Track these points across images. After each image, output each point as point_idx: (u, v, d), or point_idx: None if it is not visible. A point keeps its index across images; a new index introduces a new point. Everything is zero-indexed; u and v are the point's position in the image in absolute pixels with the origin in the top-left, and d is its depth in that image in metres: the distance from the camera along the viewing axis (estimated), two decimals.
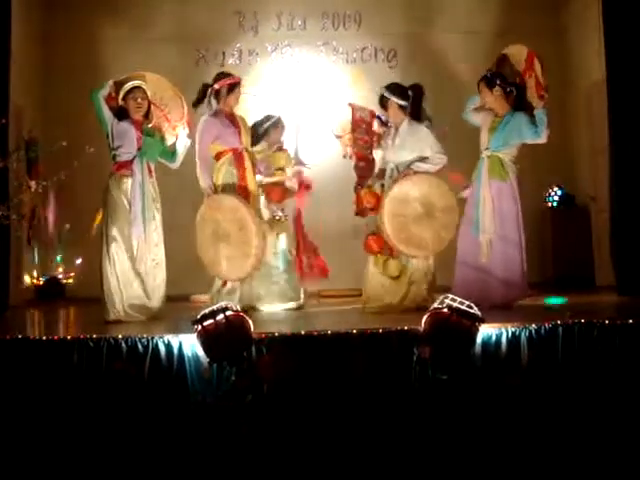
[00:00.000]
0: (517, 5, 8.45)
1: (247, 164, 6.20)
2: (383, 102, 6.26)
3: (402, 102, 6.19)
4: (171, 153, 6.21)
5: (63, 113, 7.96)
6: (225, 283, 6.20)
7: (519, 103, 6.11)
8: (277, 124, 6.62)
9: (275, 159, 6.55)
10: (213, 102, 6.24)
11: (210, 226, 5.96)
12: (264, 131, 6.57)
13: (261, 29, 8.52)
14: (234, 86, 6.28)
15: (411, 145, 6.16)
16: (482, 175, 6.03)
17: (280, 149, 6.59)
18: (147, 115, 6.12)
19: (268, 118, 6.62)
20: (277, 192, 6.50)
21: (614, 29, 6.96)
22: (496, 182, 5.97)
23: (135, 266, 5.91)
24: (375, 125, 6.32)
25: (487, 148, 6.06)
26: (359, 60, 8.53)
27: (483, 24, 8.48)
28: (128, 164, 5.96)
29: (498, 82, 6.10)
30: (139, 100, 6.03)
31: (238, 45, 8.52)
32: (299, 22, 8.55)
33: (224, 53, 8.50)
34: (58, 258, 7.91)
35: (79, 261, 7.94)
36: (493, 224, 5.95)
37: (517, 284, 5.94)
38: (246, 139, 6.29)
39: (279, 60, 8.55)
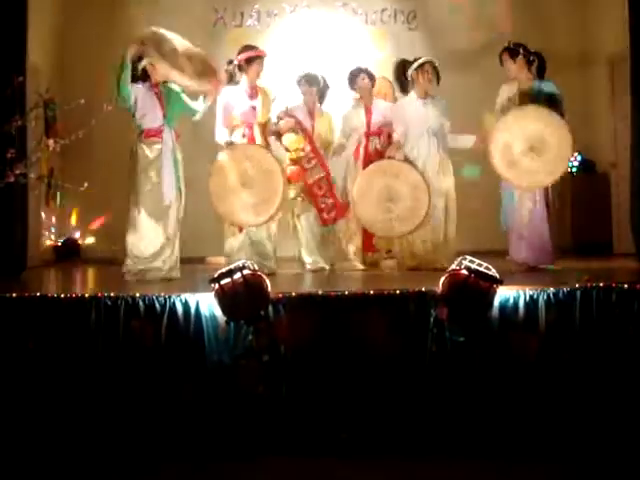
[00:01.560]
0: None
1: (257, 139, 6.30)
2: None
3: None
4: (192, 106, 6.13)
5: (80, 72, 7.92)
6: (240, 230, 6.26)
7: (541, 71, 6.19)
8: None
9: (291, 142, 6.55)
10: (237, 74, 6.36)
11: (232, 174, 5.94)
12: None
13: None
14: (253, 59, 6.32)
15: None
16: None
17: (295, 131, 6.55)
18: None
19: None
20: (295, 173, 6.52)
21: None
22: None
23: (165, 231, 5.90)
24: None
25: None
26: (378, 21, 8.44)
27: None
28: (157, 131, 5.95)
29: (521, 51, 6.15)
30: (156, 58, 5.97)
31: (256, 6, 8.44)
32: None
33: (242, 14, 8.43)
34: (76, 215, 7.93)
35: (97, 224, 7.94)
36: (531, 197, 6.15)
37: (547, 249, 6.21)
38: (265, 112, 6.36)
39: (298, 21, 8.46)
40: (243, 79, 6.37)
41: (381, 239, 6.68)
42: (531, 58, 6.20)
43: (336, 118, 6.83)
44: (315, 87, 6.64)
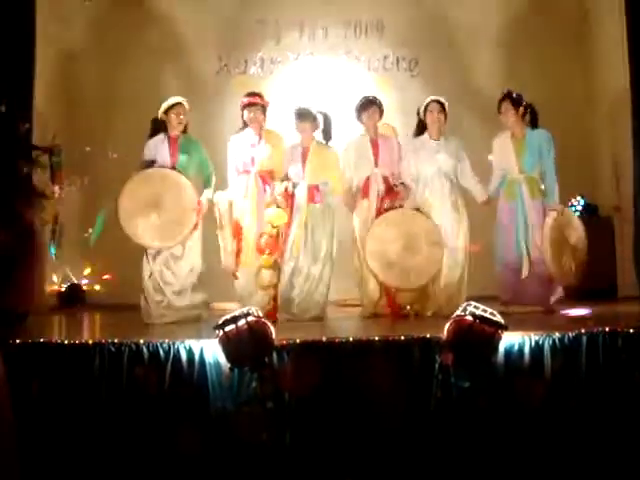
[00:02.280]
0: (539, 15, 8.39)
1: (252, 189, 6.31)
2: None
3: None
4: (207, 176, 6.30)
5: (86, 120, 7.99)
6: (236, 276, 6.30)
7: (534, 122, 6.41)
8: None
9: (273, 217, 6.36)
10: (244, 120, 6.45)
11: (141, 197, 6.00)
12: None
13: (283, 38, 8.50)
14: (246, 107, 6.41)
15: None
16: (524, 198, 6.29)
17: (279, 206, 6.35)
18: (185, 131, 6.21)
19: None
20: (269, 243, 6.32)
21: (638, 38, 6.94)
22: (537, 202, 6.31)
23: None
24: None
25: (522, 173, 6.31)
26: (381, 69, 8.51)
27: (505, 36, 8.45)
28: None
29: (523, 103, 6.34)
30: (181, 116, 6.16)
31: (260, 54, 8.52)
32: (321, 31, 8.54)
33: (246, 61, 8.50)
34: (82, 263, 7.95)
35: (106, 276, 7.96)
36: (535, 244, 6.27)
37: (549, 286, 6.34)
38: (270, 159, 6.37)
39: (301, 68, 8.54)
40: (248, 128, 6.45)
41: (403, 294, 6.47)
42: (527, 110, 6.38)
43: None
44: (308, 123, 6.40)
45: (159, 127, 6.23)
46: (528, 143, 6.35)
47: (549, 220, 6.22)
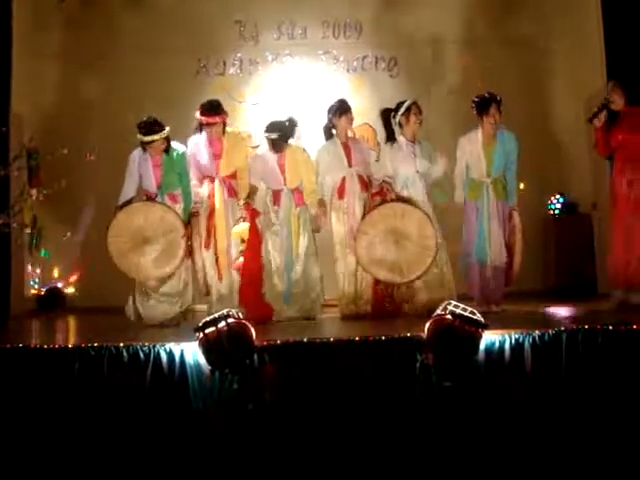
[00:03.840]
0: (515, 14, 8.43)
1: (219, 195, 6.28)
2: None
3: None
4: (187, 192, 6.26)
5: (63, 122, 7.94)
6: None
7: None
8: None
9: (242, 231, 6.42)
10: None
11: (129, 234, 5.99)
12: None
13: (262, 38, 8.47)
14: (209, 125, 6.28)
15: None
16: (489, 199, 6.35)
17: (244, 220, 6.43)
18: (167, 151, 6.18)
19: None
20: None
21: (614, 38, 7.03)
22: (502, 202, 6.36)
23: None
24: None
25: (489, 176, 6.36)
26: (359, 69, 8.51)
27: (483, 34, 8.48)
28: (153, 196, 6.19)
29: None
30: (159, 142, 6.11)
31: (239, 54, 8.49)
32: (299, 31, 8.52)
33: (225, 62, 8.47)
34: (61, 265, 7.89)
35: (70, 270, 7.89)
36: (500, 243, 6.33)
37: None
38: (232, 161, 6.32)
39: (280, 69, 8.53)
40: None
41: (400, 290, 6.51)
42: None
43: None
44: (275, 134, 6.35)
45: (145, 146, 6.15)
46: (498, 145, 6.40)
47: (516, 221, 6.36)
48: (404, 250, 6.14)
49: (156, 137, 6.04)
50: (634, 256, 6.23)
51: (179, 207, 6.17)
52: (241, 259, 6.40)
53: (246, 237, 6.37)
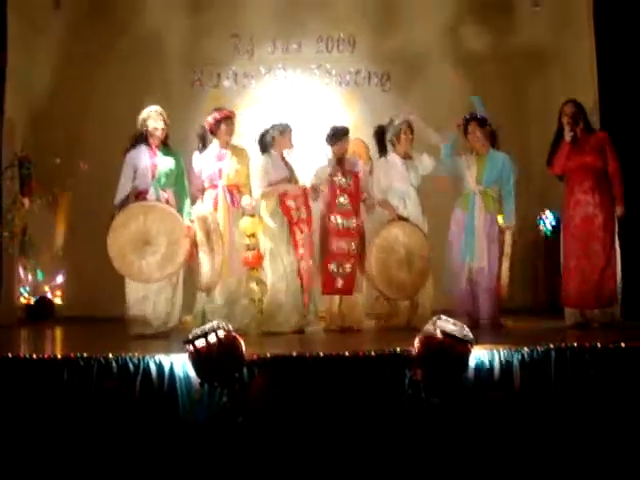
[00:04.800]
0: (509, 34, 8.49)
1: (222, 202, 6.31)
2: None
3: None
4: (183, 187, 6.29)
5: (56, 130, 7.94)
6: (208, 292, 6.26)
7: (494, 143, 6.67)
8: (284, 131, 6.53)
9: (247, 226, 6.38)
10: (209, 138, 6.43)
11: (129, 236, 5.95)
12: (271, 139, 6.51)
13: (257, 52, 8.51)
14: (221, 120, 6.39)
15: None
16: (476, 209, 6.51)
17: (252, 215, 6.39)
18: (165, 141, 6.21)
19: (273, 126, 6.55)
20: (254, 257, 6.36)
21: (607, 54, 7.13)
22: (490, 214, 6.51)
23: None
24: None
25: (479, 185, 6.52)
26: (352, 83, 8.55)
27: (475, 50, 8.53)
28: (144, 193, 6.09)
29: (488, 122, 6.59)
30: (158, 123, 6.16)
31: (233, 68, 8.53)
32: (294, 45, 8.56)
33: (219, 75, 8.50)
34: (40, 274, 7.86)
35: (60, 280, 7.86)
36: (485, 253, 6.48)
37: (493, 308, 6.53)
38: (239, 171, 6.38)
39: (273, 83, 8.56)
40: (214, 143, 6.44)
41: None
42: (491, 131, 6.63)
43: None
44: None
45: (140, 139, 6.19)
46: (489, 160, 6.56)
47: (508, 237, 6.48)
48: (409, 269, 6.40)
49: (160, 124, 6.11)
50: (585, 277, 6.34)
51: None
52: (249, 254, 6.35)
53: (250, 231, 6.34)
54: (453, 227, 6.64)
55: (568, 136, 6.33)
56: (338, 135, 6.68)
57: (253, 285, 6.34)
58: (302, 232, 6.44)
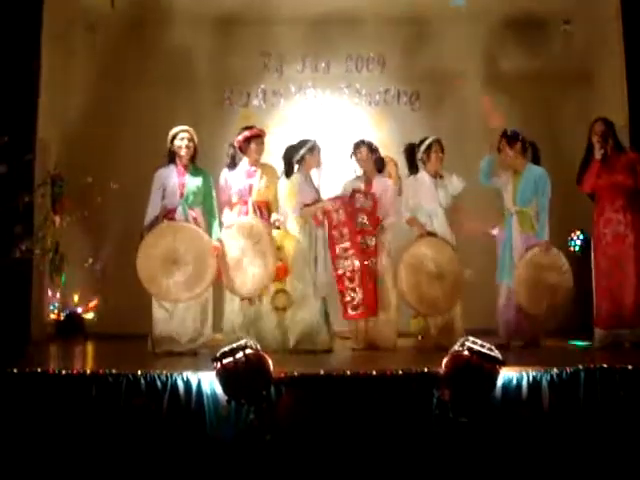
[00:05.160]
0: (538, 55, 8.46)
1: (251, 216, 6.36)
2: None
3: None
4: (211, 206, 6.34)
5: (88, 149, 8.02)
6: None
7: (536, 159, 6.59)
8: (312, 149, 6.56)
9: (279, 238, 6.42)
10: (238, 156, 6.50)
11: (158, 256, 6.00)
12: (300, 158, 6.54)
13: (286, 70, 8.55)
14: (251, 139, 6.45)
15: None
16: (513, 229, 6.49)
17: (278, 227, 6.42)
18: (193, 159, 6.27)
19: (302, 144, 6.57)
20: (280, 269, 6.34)
21: (637, 74, 7.06)
22: (526, 235, 6.45)
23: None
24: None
25: (515, 204, 6.48)
26: (382, 102, 8.56)
27: (505, 69, 8.52)
28: (172, 212, 6.17)
29: (520, 138, 6.51)
30: (187, 143, 6.24)
31: (262, 86, 8.58)
32: (323, 64, 8.59)
33: (249, 94, 8.54)
34: (80, 292, 7.92)
35: (94, 302, 7.93)
36: None
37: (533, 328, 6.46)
38: (267, 189, 6.43)
39: (302, 102, 8.60)
40: (243, 160, 6.49)
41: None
42: (526, 145, 6.55)
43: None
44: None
45: (169, 158, 6.27)
46: (525, 178, 6.50)
47: (527, 256, 6.37)
48: (441, 284, 6.35)
49: (185, 142, 6.20)
50: (616, 297, 6.30)
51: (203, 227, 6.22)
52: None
53: (279, 244, 6.36)
54: (499, 247, 6.64)
55: (598, 154, 6.30)
56: (353, 147, 6.76)
57: (279, 295, 6.35)
58: (342, 235, 6.46)
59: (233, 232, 6.22)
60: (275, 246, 6.21)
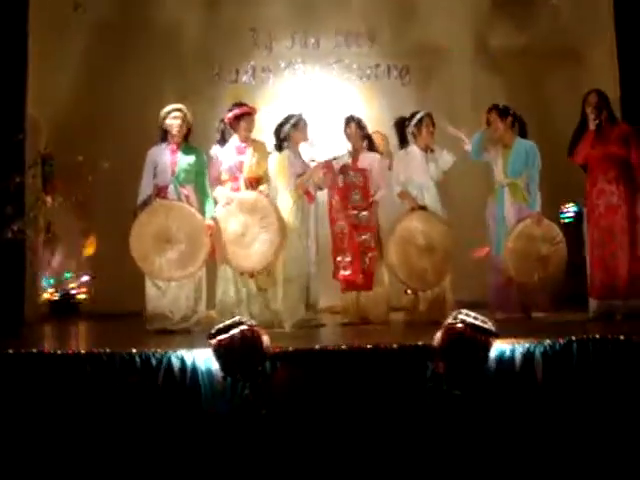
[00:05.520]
0: (530, 26, 8.44)
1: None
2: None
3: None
4: (203, 184, 6.32)
5: (79, 128, 7.99)
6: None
7: (523, 133, 6.63)
8: (297, 124, 6.56)
9: None
10: (228, 132, 6.47)
11: (151, 234, 6.02)
12: (286, 134, 6.55)
13: (275, 47, 8.52)
14: (241, 116, 6.43)
15: None
16: (505, 201, 6.52)
17: None
18: (186, 137, 6.26)
19: (286, 120, 6.58)
20: None
21: (628, 47, 7.09)
22: (519, 205, 6.49)
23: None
24: None
25: (506, 176, 6.51)
26: (372, 77, 8.54)
27: (495, 44, 8.50)
28: (164, 190, 6.13)
29: (511, 112, 6.55)
30: (179, 122, 6.23)
31: (252, 62, 8.54)
32: (312, 40, 8.57)
33: (238, 70, 8.51)
34: (67, 275, 7.91)
35: (85, 278, 7.91)
36: None
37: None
38: (258, 166, 6.41)
39: (292, 77, 8.57)
40: (234, 137, 6.47)
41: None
42: (515, 120, 6.58)
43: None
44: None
45: (162, 136, 6.25)
46: (515, 150, 6.53)
47: (518, 227, 6.41)
48: (430, 258, 6.37)
49: (177, 122, 6.18)
50: (610, 268, 6.31)
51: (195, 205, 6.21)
52: None
53: None
54: (489, 221, 6.66)
55: (593, 124, 6.30)
56: (344, 123, 6.80)
57: (260, 276, 6.36)
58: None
59: (233, 208, 6.21)
60: (283, 222, 6.21)
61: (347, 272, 6.52)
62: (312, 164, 6.61)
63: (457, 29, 8.42)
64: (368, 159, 6.73)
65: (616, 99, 7.35)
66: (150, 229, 5.99)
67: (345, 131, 6.80)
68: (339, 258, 6.56)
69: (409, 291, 6.56)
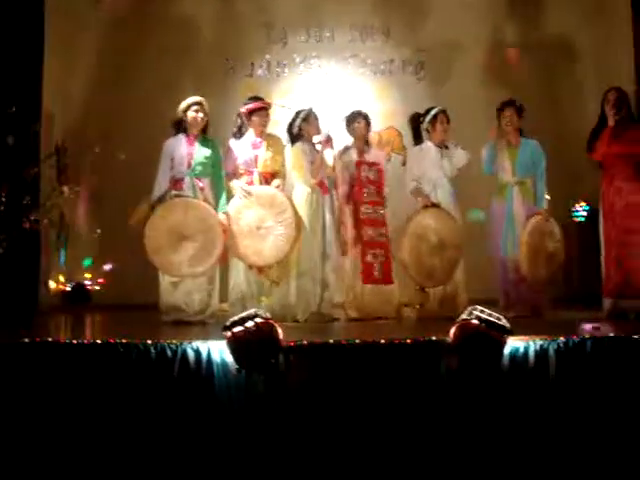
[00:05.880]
0: (545, 19, 8.43)
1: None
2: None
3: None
4: (219, 177, 6.31)
5: (94, 120, 8.02)
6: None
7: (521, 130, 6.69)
8: (307, 118, 6.55)
9: None
10: (245, 126, 6.46)
11: (166, 231, 6.01)
12: (298, 129, 6.55)
13: (290, 41, 8.54)
14: (257, 110, 6.43)
15: None
16: (515, 200, 6.55)
17: None
18: (205, 131, 6.28)
19: (297, 115, 6.58)
20: None
21: None
22: (527, 206, 6.53)
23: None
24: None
25: (514, 176, 6.56)
26: (387, 72, 8.55)
27: (510, 38, 8.49)
28: (179, 182, 6.14)
29: (525, 109, 6.60)
30: (199, 114, 6.22)
31: (267, 56, 8.56)
32: (327, 34, 8.58)
33: (253, 64, 8.54)
34: (87, 262, 7.94)
35: (108, 267, 7.95)
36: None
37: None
38: (273, 160, 6.41)
39: (307, 72, 8.58)
40: (250, 131, 6.48)
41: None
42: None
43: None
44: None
45: (179, 127, 6.26)
46: (522, 150, 6.58)
47: (529, 223, 6.43)
48: (440, 256, 6.38)
49: (200, 115, 6.18)
50: (625, 267, 6.30)
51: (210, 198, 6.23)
52: None
53: None
54: (492, 220, 6.69)
55: (612, 120, 6.28)
56: (350, 117, 6.78)
57: (272, 270, 6.35)
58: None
59: (249, 201, 6.22)
60: (299, 218, 6.22)
61: (367, 266, 6.53)
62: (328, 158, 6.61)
63: (472, 24, 8.42)
64: (377, 155, 6.76)
65: (631, 97, 7.33)
66: (166, 224, 5.99)
67: (351, 126, 6.77)
68: (356, 252, 6.56)
69: (423, 288, 6.55)
